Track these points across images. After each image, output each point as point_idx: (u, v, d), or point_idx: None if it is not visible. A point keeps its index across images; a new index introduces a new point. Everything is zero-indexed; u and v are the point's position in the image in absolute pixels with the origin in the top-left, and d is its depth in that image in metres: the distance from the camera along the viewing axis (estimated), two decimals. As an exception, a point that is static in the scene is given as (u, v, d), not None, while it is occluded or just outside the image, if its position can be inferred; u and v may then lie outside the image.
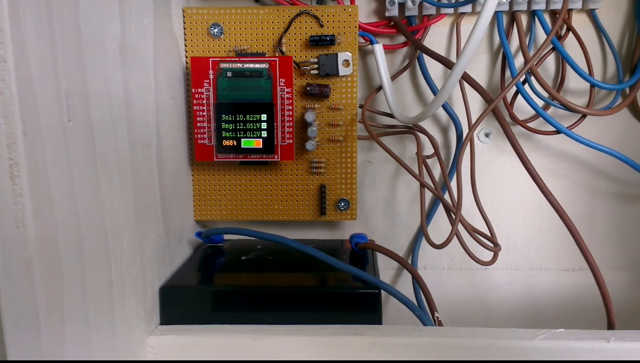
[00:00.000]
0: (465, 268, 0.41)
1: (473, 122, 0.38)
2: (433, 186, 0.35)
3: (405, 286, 0.40)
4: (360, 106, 0.37)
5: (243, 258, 0.36)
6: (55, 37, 0.21)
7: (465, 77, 0.33)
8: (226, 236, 0.39)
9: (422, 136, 0.37)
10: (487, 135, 0.39)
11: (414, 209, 0.40)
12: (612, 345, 0.29)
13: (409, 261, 0.40)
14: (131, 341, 0.28)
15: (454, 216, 0.33)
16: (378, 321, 0.31)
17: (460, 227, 0.33)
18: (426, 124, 0.39)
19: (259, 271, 0.35)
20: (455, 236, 0.33)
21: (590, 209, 0.40)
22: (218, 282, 0.33)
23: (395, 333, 0.30)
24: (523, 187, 0.39)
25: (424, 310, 0.34)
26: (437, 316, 0.33)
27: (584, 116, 0.36)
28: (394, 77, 0.38)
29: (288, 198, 0.38)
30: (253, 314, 0.31)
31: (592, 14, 0.37)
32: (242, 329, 0.30)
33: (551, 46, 0.37)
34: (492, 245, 0.33)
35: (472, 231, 0.32)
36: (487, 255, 0.34)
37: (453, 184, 0.35)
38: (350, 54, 0.36)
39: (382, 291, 0.31)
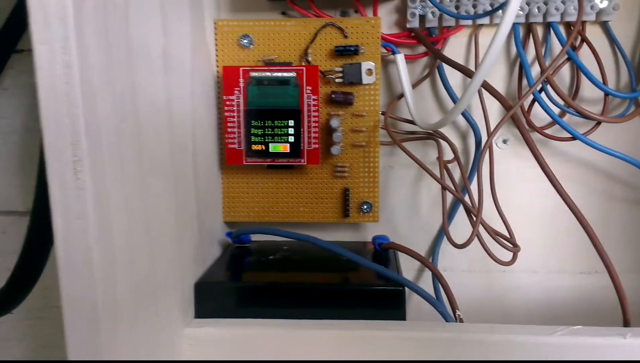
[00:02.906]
0: (484, 271, 0.42)
1: (492, 128, 0.39)
2: (454, 190, 0.36)
3: (426, 287, 0.41)
4: (383, 113, 0.39)
5: (271, 257, 0.38)
6: (111, 45, 0.23)
7: (485, 86, 0.35)
8: (253, 238, 0.41)
9: (442, 142, 0.39)
10: (505, 141, 0.41)
11: (434, 212, 0.42)
12: (628, 341, 0.30)
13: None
14: (170, 333, 0.29)
15: (474, 218, 0.34)
16: (402, 317, 0.33)
17: (481, 229, 0.35)
18: (446, 131, 0.40)
19: (287, 270, 0.36)
20: (475, 238, 0.34)
21: (605, 213, 0.41)
22: (248, 279, 0.35)
23: (419, 329, 0.31)
24: (540, 192, 0.40)
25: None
26: (458, 314, 0.34)
27: (598, 123, 0.38)
28: (414, 86, 0.40)
29: (313, 200, 0.40)
30: (281, 310, 0.33)
31: (605, 26, 0.39)
32: (273, 323, 0.32)
33: (566, 56, 0.38)
34: (511, 246, 0.34)
35: (493, 233, 0.34)
36: (506, 257, 0.35)
37: (473, 188, 0.36)
38: (373, 64, 0.38)
39: (406, 289, 0.33)
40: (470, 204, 0.36)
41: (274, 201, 0.40)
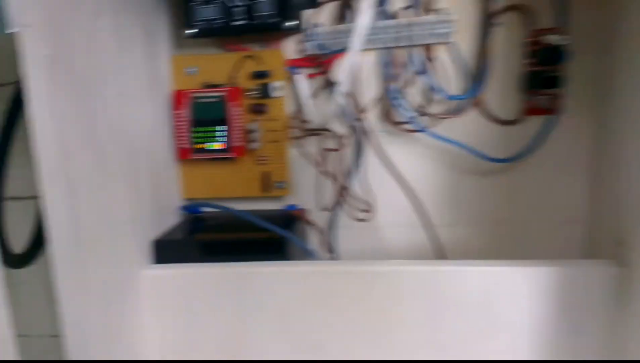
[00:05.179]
0: (372, 228, 0.56)
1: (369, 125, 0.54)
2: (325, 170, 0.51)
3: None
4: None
5: (211, 223, 0.55)
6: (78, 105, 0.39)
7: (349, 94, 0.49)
8: (204, 209, 0.58)
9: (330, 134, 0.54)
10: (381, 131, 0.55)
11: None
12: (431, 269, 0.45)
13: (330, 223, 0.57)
14: (131, 272, 0.46)
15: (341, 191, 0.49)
16: (286, 259, 0.48)
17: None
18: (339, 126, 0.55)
19: (217, 231, 0.53)
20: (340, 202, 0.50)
21: (453, 183, 0.55)
22: (186, 236, 0.52)
23: (290, 265, 0.47)
24: (407, 167, 0.54)
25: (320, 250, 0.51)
26: (333, 256, 0.50)
27: (440, 119, 0.52)
28: (317, 94, 0.55)
29: (244, 181, 0.56)
30: (210, 257, 0.49)
31: (450, 45, 0.52)
32: (202, 265, 0.48)
33: (420, 69, 0.52)
34: (363, 210, 0.49)
35: (348, 196, 0.49)
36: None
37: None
38: (280, 83, 0.53)
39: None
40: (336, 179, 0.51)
41: (218, 183, 0.57)
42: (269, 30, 0.50)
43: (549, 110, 0.51)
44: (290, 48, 0.55)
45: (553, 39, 0.49)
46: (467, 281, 0.44)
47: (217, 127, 0.53)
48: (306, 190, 0.57)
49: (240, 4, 0.48)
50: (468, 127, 0.53)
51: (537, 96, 0.51)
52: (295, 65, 0.54)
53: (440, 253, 0.53)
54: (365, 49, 0.53)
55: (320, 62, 0.53)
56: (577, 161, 0.52)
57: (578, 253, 0.53)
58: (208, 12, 0.49)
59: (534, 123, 0.52)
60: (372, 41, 0.52)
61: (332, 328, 0.46)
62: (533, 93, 0.51)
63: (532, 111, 0.52)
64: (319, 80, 0.55)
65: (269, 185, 0.56)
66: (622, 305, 0.42)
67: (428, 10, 0.51)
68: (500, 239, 0.54)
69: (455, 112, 0.53)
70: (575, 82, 0.50)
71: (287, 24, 0.49)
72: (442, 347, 0.45)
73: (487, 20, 0.50)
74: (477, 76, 0.52)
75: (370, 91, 0.54)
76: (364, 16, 0.49)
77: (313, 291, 0.46)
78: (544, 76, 0.50)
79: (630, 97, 0.44)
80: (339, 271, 0.46)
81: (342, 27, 0.52)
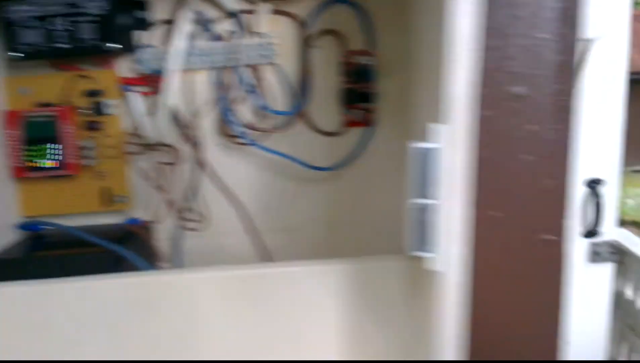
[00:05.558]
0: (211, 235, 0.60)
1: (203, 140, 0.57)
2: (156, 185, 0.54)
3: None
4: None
5: (46, 240, 0.55)
6: None
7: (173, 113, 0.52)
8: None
9: (167, 149, 0.57)
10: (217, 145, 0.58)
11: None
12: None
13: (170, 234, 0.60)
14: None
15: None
16: (121, 271, 0.50)
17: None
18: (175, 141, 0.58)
19: (51, 248, 0.54)
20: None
21: (280, 192, 0.59)
22: (19, 254, 0.52)
23: (121, 277, 0.49)
24: (241, 176, 0.58)
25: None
26: (161, 266, 0.52)
27: (267, 132, 0.56)
28: (153, 111, 0.57)
29: (83, 196, 0.57)
30: (45, 275, 0.50)
31: (275, 65, 0.56)
32: (38, 282, 0.49)
33: (249, 88, 0.56)
34: (195, 220, 0.52)
35: (185, 208, 0.52)
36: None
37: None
38: (113, 100, 0.55)
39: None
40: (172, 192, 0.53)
41: (59, 199, 0.57)
42: (91, 53, 0.52)
43: (365, 122, 0.57)
44: (124, 67, 0.57)
45: (362, 59, 0.55)
46: (284, 282, 0.48)
47: (49, 146, 0.54)
48: (147, 203, 0.59)
49: (60, 28, 0.50)
50: (296, 139, 0.58)
51: (354, 110, 0.57)
52: (129, 83, 0.56)
53: (267, 257, 0.57)
54: (197, 69, 0.56)
55: (153, 81, 0.56)
56: (393, 168, 0.58)
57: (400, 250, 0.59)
58: (29, 36, 0.50)
59: (354, 134, 0.57)
60: (203, 62, 0.55)
61: (163, 336, 0.49)
62: (350, 107, 0.57)
63: (351, 123, 0.57)
64: (153, 98, 0.57)
65: (110, 200, 0.57)
66: (417, 295, 0.48)
67: (251, 33, 0.55)
68: (328, 241, 0.59)
69: (283, 126, 0.57)
70: (384, 97, 0.56)
71: (108, 45, 0.51)
72: (260, 346, 0.49)
73: (306, 43, 0.55)
74: (300, 93, 0.57)
75: (204, 108, 0.57)
76: (179, 38, 0.52)
77: (141, 301, 0.48)
78: (357, 92, 0.56)
79: (420, 110, 0.50)
80: (164, 281, 0.48)
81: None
